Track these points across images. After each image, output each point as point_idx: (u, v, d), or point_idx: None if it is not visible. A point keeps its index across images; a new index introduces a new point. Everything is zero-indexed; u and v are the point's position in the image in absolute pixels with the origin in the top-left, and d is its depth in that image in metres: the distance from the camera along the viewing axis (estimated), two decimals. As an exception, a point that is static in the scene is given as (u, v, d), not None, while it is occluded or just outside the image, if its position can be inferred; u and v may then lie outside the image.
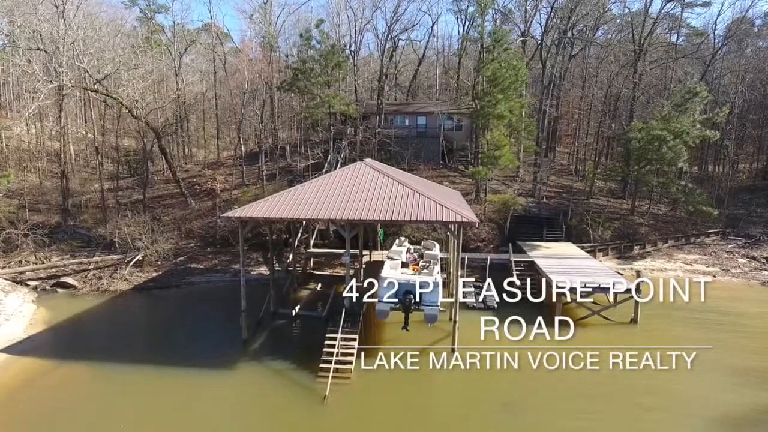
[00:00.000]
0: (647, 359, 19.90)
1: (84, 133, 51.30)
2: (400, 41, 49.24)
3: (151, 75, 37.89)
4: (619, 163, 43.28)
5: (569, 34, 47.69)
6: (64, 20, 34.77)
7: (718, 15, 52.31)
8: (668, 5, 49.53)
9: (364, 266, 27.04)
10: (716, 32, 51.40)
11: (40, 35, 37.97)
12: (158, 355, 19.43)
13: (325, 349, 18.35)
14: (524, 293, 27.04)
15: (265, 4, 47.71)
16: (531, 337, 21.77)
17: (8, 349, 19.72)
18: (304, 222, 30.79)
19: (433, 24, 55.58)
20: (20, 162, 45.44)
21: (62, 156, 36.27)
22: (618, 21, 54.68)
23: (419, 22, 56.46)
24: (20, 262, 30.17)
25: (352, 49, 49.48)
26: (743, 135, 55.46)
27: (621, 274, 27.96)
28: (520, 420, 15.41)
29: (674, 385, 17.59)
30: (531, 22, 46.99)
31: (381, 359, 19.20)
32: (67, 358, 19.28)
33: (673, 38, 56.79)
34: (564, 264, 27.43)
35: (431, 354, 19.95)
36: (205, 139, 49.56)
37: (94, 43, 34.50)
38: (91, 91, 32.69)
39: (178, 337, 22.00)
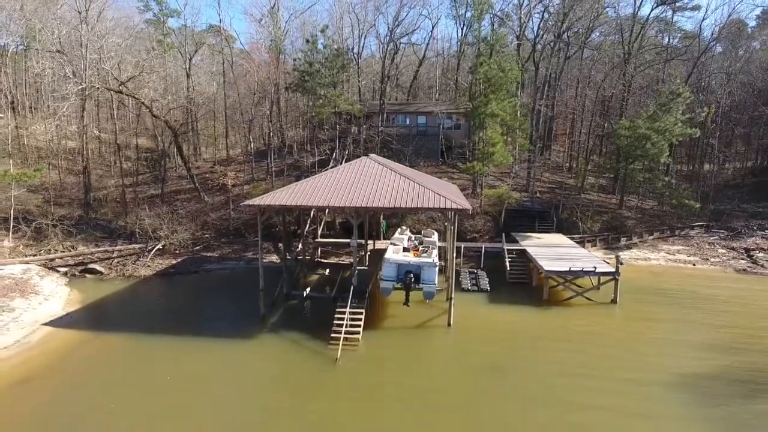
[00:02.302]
0: (624, 332, 22.45)
1: (96, 132, 53.66)
2: (401, 43, 51.44)
3: (169, 77, 40.12)
4: (609, 159, 45.62)
5: (564, 36, 49.96)
6: (86, 24, 37.09)
7: (703, 19, 54.02)
8: (659, 9, 52.03)
9: (368, 253, 29.34)
10: (702, 35, 53.53)
11: (59, 39, 40.38)
12: (186, 328, 21.75)
13: (335, 321, 20.66)
14: (515, 277, 29.71)
15: (272, 8, 50.06)
16: (520, 315, 24.32)
17: (52, 323, 22.05)
18: (312, 213, 33.16)
19: (433, 27, 58.05)
20: (39, 159, 47.76)
21: (84, 153, 38.55)
22: (613, 24, 56.92)
23: (420, 26, 58.56)
24: (49, 250, 32.45)
25: (355, 51, 51.83)
26: (732, 134, 57.70)
27: (608, 263, 30.23)
28: (505, 379, 17.63)
29: (646, 354, 19.87)
30: (525, 27, 49.14)
31: (384, 331, 21.67)
32: (103, 331, 21.58)
33: (665, 40, 59.21)
34: (552, 252, 29.73)
35: (430, 326, 22.43)
36: (215, 137, 51.84)
37: (113, 47, 36.67)
38: (116, 92, 34.91)
39: (201, 314, 24.34)
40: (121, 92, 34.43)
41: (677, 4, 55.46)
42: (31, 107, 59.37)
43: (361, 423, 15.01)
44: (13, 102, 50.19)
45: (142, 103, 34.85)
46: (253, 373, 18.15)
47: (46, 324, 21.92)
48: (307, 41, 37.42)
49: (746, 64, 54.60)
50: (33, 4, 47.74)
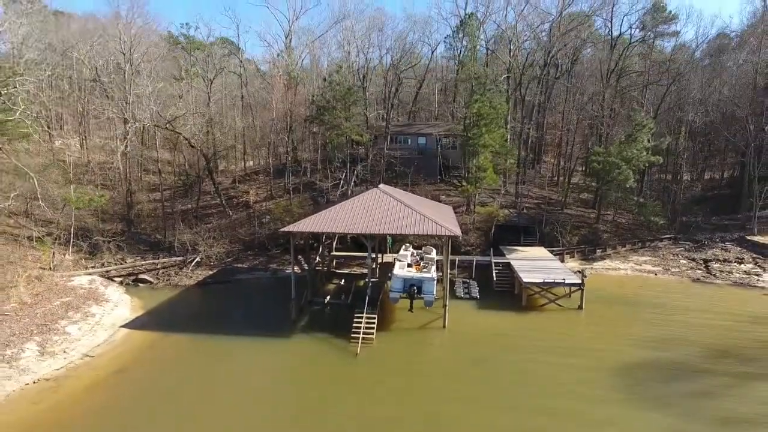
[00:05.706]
0: (583, 331, 27.99)
1: (138, 157, 59.34)
2: (404, 77, 57.00)
3: (208, 113, 45.70)
4: (589, 179, 51.19)
5: (553, 60, 55.55)
6: (131, 64, 42.63)
7: (672, 52, 59.19)
8: (640, 32, 57.63)
9: (378, 266, 34.92)
10: (671, 67, 58.49)
11: (96, 69, 45.93)
12: (233, 329, 27.32)
13: (354, 324, 26.18)
14: (501, 286, 35.14)
15: (286, 38, 55.71)
16: (502, 318, 29.84)
17: (127, 326, 27.59)
18: (325, 234, 38.71)
19: (432, 52, 63.41)
20: (76, 177, 53.30)
21: (127, 175, 44.10)
22: (598, 47, 62.32)
23: (420, 60, 63.73)
24: (103, 264, 37.95)
25: (361, 75, 57.23)
26: (707, 150, 63.08)
27: (581, 272, 35.66)
28: (486, 366, 23.17)
29: (598, 347, 25.40)
30: (513, 63, 54.50)
31: (393, 332, 27.18)
32: (169, 331, 27.02)
33: (647, 62, 64.59)
34: (532, 264, 35.24)
35: (429, 328, 27.99)
36: (236, 156, 57.51)
37: (156, 84, 42.17)
38: (162, 128, 40.54)
39: (242, 317, 29.88)
40: (167, 128, 40.02)
41: (657, 30, 61.07)
42: (61, 124, 64.90)
43: (378, 397, 20.53)
44: (49, 126, 55.79)
45: (184, 137, 40.47)
46: (293, 362, 23.78)
47: (123, 326, 27.44)
48: (324, 80, 43.07)
49: (723, 85, 59.67)
50: (74, 38, 53.45)
